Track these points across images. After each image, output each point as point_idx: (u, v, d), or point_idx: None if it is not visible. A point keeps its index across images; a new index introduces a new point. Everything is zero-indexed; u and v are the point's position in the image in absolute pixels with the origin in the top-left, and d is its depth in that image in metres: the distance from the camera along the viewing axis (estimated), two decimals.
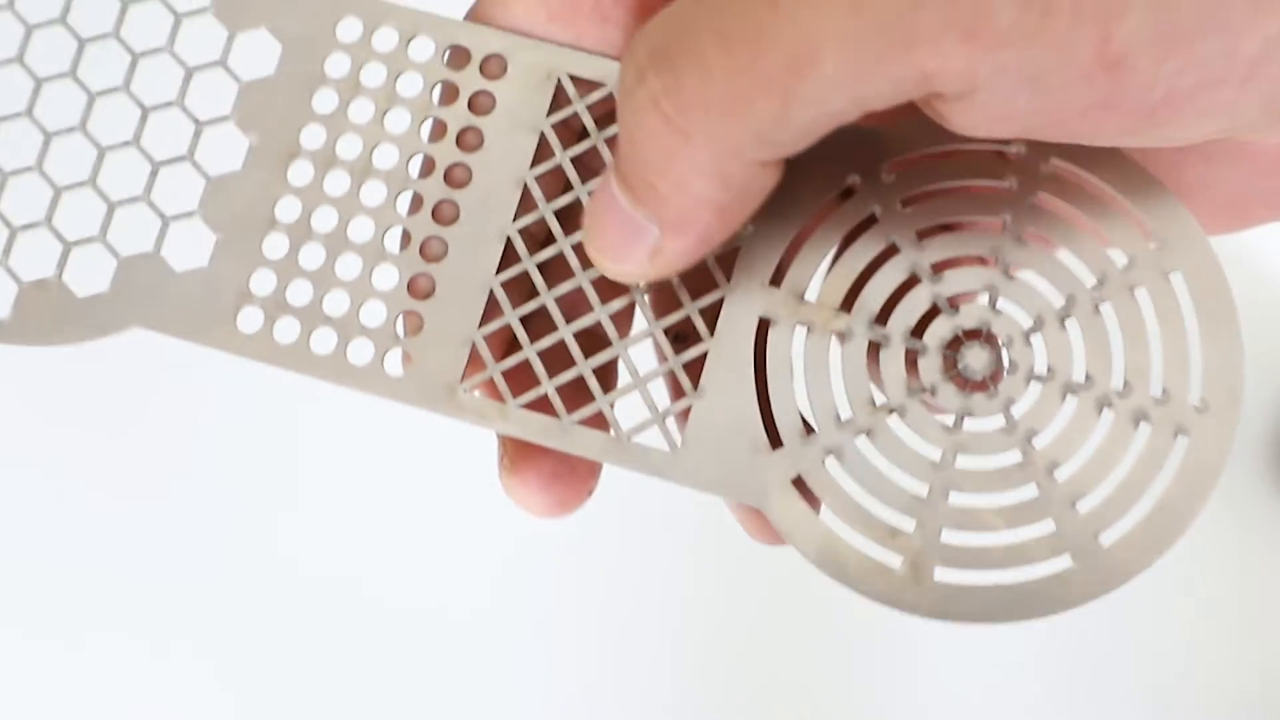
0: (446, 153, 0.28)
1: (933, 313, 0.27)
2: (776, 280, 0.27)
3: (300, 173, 0.28)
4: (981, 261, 0.27)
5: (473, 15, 0.29)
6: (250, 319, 0.28)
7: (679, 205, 0.24)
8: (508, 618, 0.60)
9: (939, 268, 0.27)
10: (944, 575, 0.26)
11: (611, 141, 0.28)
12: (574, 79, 0.28)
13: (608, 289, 0.28)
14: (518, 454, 0.28)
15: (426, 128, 0.28)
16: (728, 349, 0.27)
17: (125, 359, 0.60)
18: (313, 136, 0.28)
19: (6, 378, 0.62)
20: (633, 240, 0.25)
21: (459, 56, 0.28)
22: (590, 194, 0.26)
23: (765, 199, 0.25)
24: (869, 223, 0.27)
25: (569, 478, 0.28)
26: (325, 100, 0.28)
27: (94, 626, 0.61)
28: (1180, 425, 0.26)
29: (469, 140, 0.28)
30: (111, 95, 0.29)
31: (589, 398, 0.27)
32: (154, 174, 0.28)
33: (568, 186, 0.28)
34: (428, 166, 0.28)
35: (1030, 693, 0.56)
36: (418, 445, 0.59)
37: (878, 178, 0.27)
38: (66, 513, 0.61)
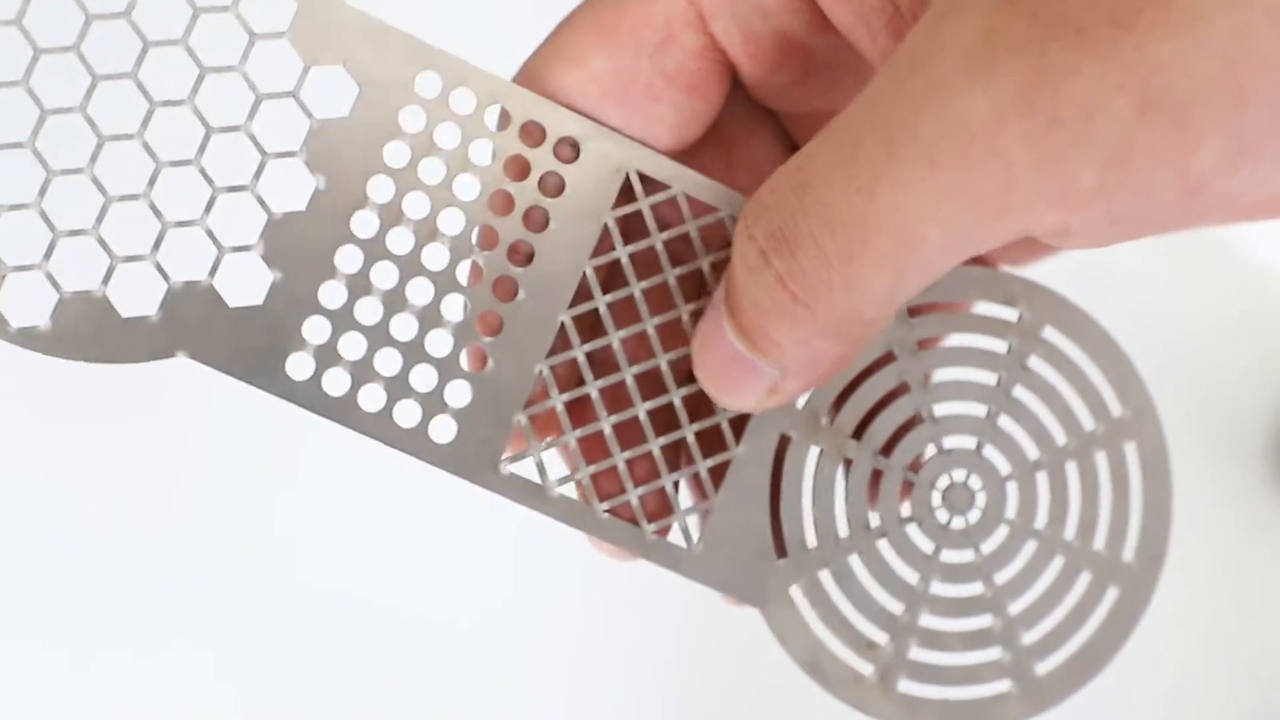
0: (512, 228, 0.29)
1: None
2: (798, 401, 0.30)
3: (364, 224, 0.28)
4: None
5: (522, 79, 0.29)
6: (300, 366, 0.28)
7: (801, 358, 0.26)
8: (511, 622, 0.60)
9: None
10: (907, 687, 0.30)
11: (673, 246, 0.29)
12: (642, 176, 0.29)
13: (647, 386, 0.30)
14: None
15: (493, 198, 0.29)
16: (750, 459, 0.29)
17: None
18: (381, 189, 0.28)
19: (5, 377, 0.57)
20: (749, 379, 0.27)
21: (534, 132, 0.29)
22: (700, 329, 0.28)
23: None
24: (886, 359, 0.30)
25: None
26: (397, 153, 0.28)
27: (94, 627, 0.59)
28: (1113, 577, 0.30)
29: (535, 218, 0.29)
30: (174, 107, 0.28)
31: (621, 488, 0.29)
32: (212, 199, 0.28)
33: (624, 281, 0.29)
34: (490, 238, 0.29)
35: None
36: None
37: (900, 319, 0.30)
38: (66, 512, 0.59)
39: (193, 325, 0.28)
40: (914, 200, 0.24)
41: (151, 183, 0.28)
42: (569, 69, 0.29)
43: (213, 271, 0.28)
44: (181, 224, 0.28)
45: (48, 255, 0.27)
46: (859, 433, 0.30)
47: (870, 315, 0.26)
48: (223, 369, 0.28)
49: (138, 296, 0.28)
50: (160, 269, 0.28)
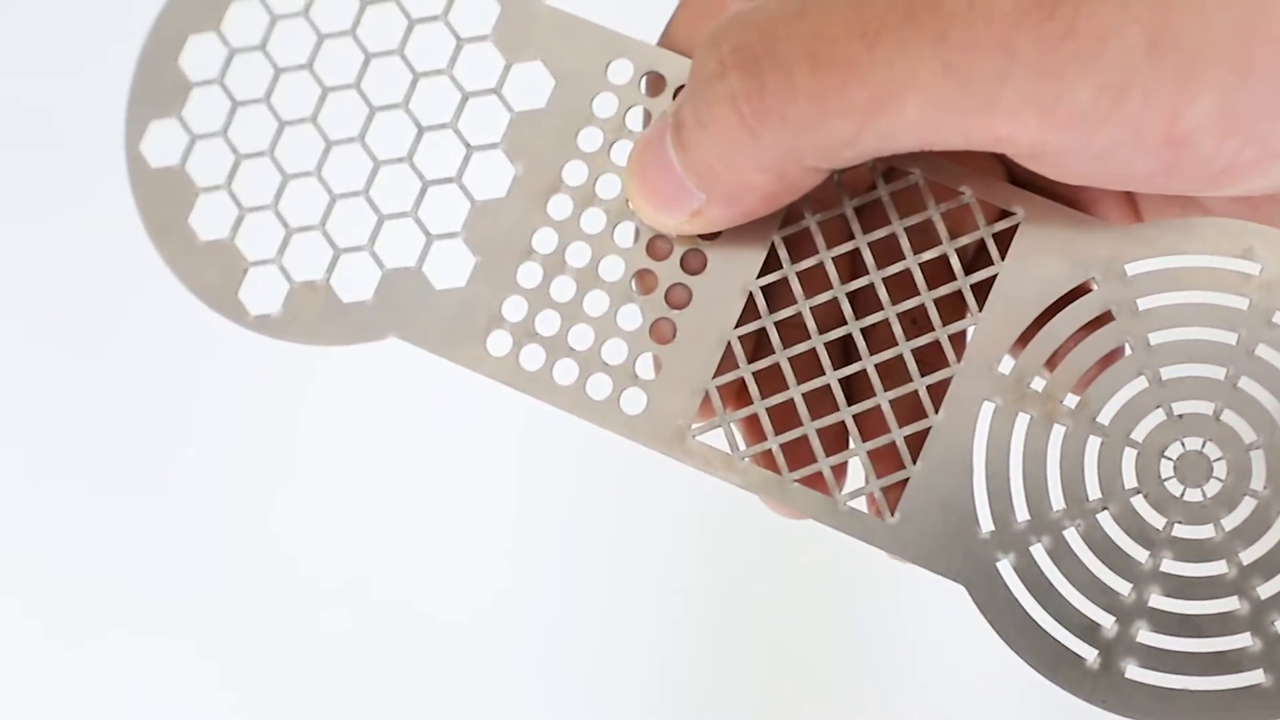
0: None
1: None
2: (1005, 366, 0.28)
3: (560, 207, 0.30)
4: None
5: (666, 36, 0.30)
6: (499, 343, 0.29)
7: (731, 186, 0.26)
8: (511, 617, 0.60)
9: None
10: (1136, 674, 0.27)
11: (864, 210, 0.29)
12: None
13: (837, 354, 0.29)
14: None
15: None
16: (950, 427, 0.28)
17: (123, 356, 0.62)
18: (575, 173, 0.30)
19: (4, 376, 0.63)
20: (678, 198, 0.27)
21: None
22: (641, 139, 0.28)
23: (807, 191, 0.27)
24: (1102, 319, 0.28)
25: None
26: (590, 139, 0.30)
27: (93, 623, 0.61)
28: None
29: None
30: (390, 111, 0.30)
31: (811, 457, 0.28)
32: (423, 192, 0.30)
33: (812, 251, 0.29)
34: None
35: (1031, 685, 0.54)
36: (419, 442, 0.60)
37: (1117, 277, 0.28)
38: (64, 509, 0.62)
39: (403, 308, 0.30)
40: (911, 63, 0.24)
41: (370, 180, 0.30)
42: (711, 22, 0.29)
43: (422, 258, 0.30)
44: (395, 215, 0.30)
45: (281, 250, 0.30)
46: (1072, 398, 0.28)
47: (810, 161, 0.25)
48: (429, 348, 0.30)
49: (356, 283, 0.30)
50: (376, 258, 0.30)
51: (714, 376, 0.29)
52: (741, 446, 0.29)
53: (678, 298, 0.29)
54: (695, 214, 0.27)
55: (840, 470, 0.28)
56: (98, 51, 0.55)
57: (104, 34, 0.55)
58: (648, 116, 0.30)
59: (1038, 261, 0.28)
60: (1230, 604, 0.27)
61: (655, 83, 0.30)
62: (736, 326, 0.29)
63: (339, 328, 0.30)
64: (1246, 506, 0.27)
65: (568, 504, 0.59)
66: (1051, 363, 0.28)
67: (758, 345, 0.29)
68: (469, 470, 0.60)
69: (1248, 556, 0.27)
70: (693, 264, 0.29)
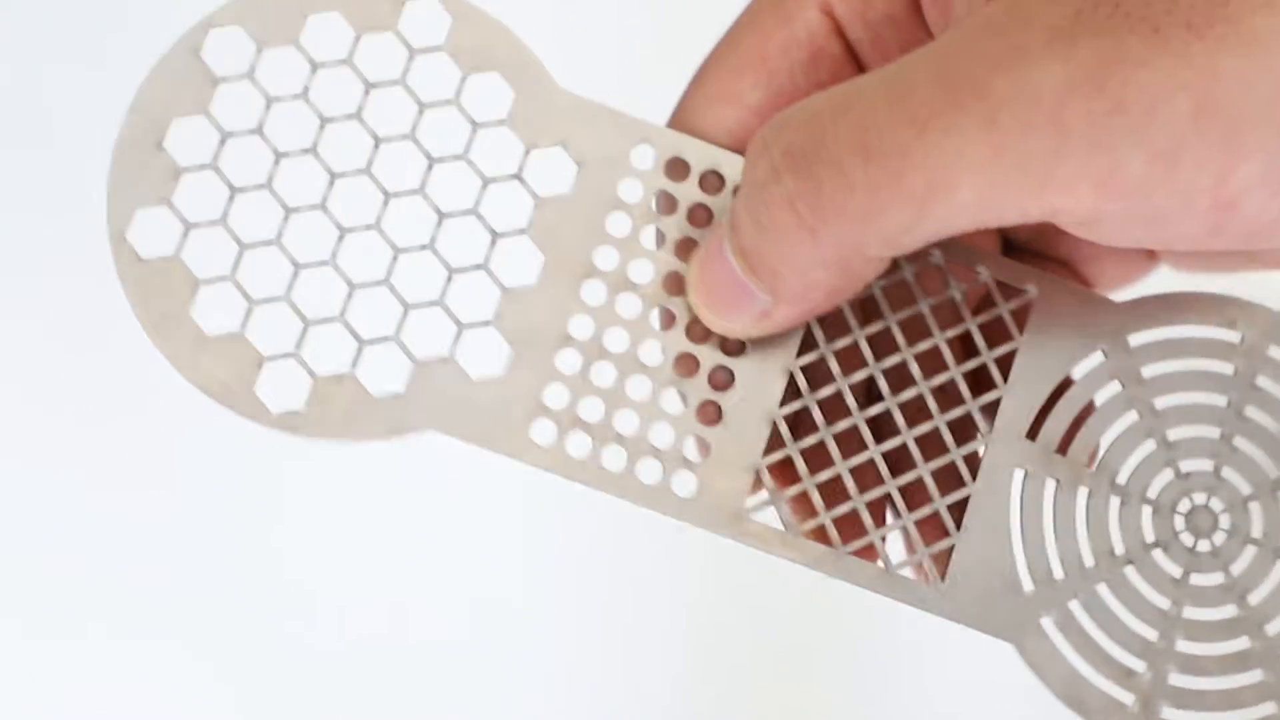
0: None
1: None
2: (1032, 434, 0.30)
3: (593, 292, 0.29)
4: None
5: (676, 123, 0.30)
6: (544, 432, 0.29)
7: (795, 287, 0.27)
8: (510, 616, 0.60)
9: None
10: (1170, 714, 0.29)
11: (891, 288, 0.30)
12: None
13: (882, 423, 0.30)
14: None
15: None
16: (988, 494, 0.30)
17: (122, 352, 0.59)
18: (606, 258, 0.30)
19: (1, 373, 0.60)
20: (743, 302, 0.28)
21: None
22: (699, 250, 0.29)
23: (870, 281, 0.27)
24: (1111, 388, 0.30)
25: None
26: (619, 223, 0.30)
27: (90, 622, 0.59)
28: None
29: None
30: (406, 197, 0.29)
31: (860, 529, 0.29)
32: (449, 279, 0.29)
33: (843, 329, 0.30)
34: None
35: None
36: (418, 442, 0.59)
37: (1123, 349, 0.30)
38: (62, 508, 0.60)
39: (439, 399, 0.29)
40: (963, 148, 0.24)
41: (391, 269, 0.29)
42: (725, 108, 0.30)
43: (453, 347, 0.29)
44: (422, 305, 0.29)
45: (299, 343, 0.29)
46: (1091, 462, 0.30)
47: (873, 252, 0.26)
48: (470, 440, 0.29)
49: (383, 376, 0.29)
50: (404, 348, 0.29)
51: (764, 455, 0.29)
52: (792, 523, 0.29)
53: (720, 380, 0.29)
54: (762, 316, 0.28)
55: (904, 541, 0.29)
56: (95, 50, 0.51)
57: (102, 33, 0.51)
58: (670, 200, 0.30)
59: (1052, 335, 0.30)
60: (1243, 642, 0.30)
61: (677, 167, 0.30)
62: (781, 405, 0.29)
63: (372, 422, 0.29)
64: (1249, 553, 0.30)
65: (569, 506, 0.58)
66: (1071, 430, 0.30)
67: (795, 422, 0.30)
68: (469, 470, 0.58)
69: (1255, 598, 0.30)
70: (731, 347, 0.30)
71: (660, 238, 0.30)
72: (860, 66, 0.30)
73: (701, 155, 0.30)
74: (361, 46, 0.30)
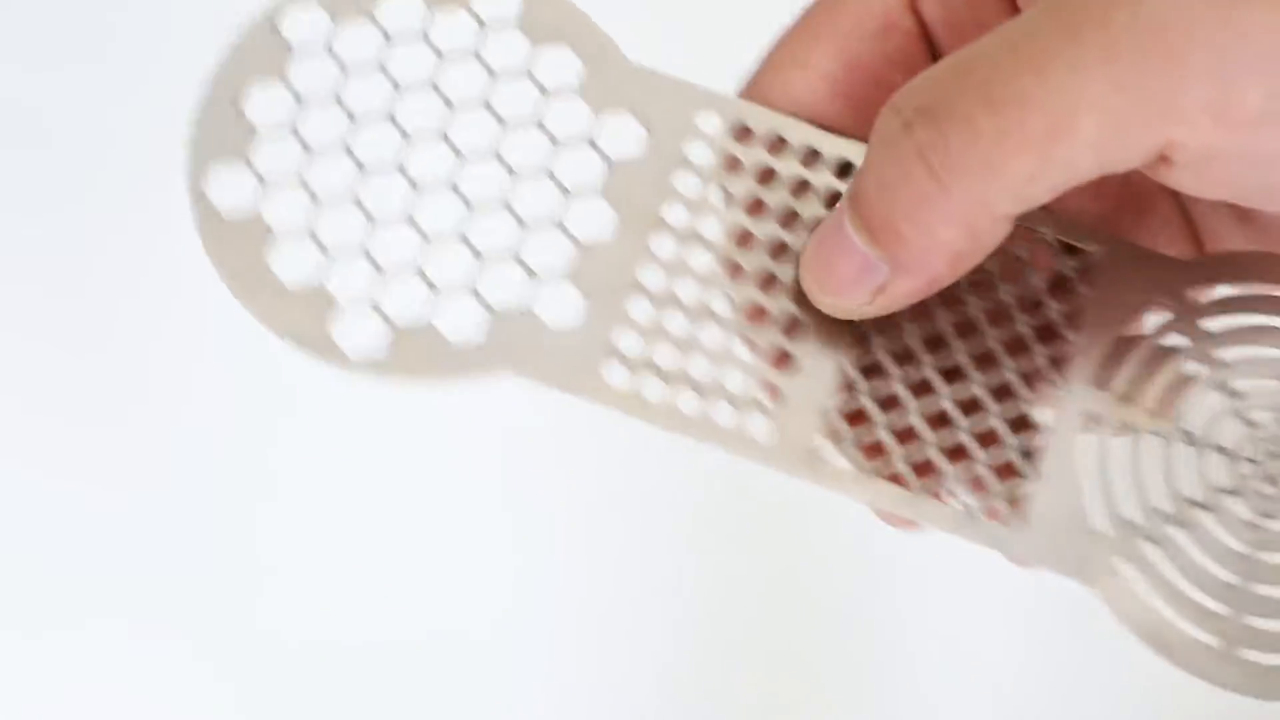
0: (802, 238, 0.30)
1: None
2: (1102, 383, 0.30)
3: (664, 247, 0.30)
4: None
5: (751, 91, 0.31)
6: (620, 376, 0.29)
7: (920, 249, 0.26)
8: (509, 612, 0.59)
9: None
10: (1254, 656, 0.29)
11: None
12: None
13: (951, 374, 0.30)
14: None
15: (781, 216, 0.30)
16: (1062, 440, 0.30)
17: (120, 352, 0.59)
18: (676, 214, 0.30)
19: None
20: (860, 277, 0.27)
21: (812, 158, 0.31)
22: (817, 232, 0.29)
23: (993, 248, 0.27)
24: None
25: None
26: (687, 182, 0.30)
27: (87, 621, 0.59)
28: None
29: None
30: (478, 161, 0.30)
31: (935, 474, 0.29)
32: (523, 234, 0.30)
33: None
34: (782, 250, 0.30)
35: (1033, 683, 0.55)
36: (418, 442, 0.59)
37: (1188, 304, 0.30)
38: (60, 507, 0.60)
39: (517, 347, 0.29)
40: (1084, 84, 0.24)
41: (466, 223, 0.30)
42: (794, 72, 0.31)
43: (530, 298, 0.30)
44: (496, 258, 0.30)
45: (377, 293, 0.29)
46: (1161, 411, 0.30)
47: (1000, 209, 0.26)
48: (547, 383, 0.29)
49: (462, 325, 0.29)
50: (482, 300, 0.29)
51: (836, 399, 0.30)
52: (866, 466, 0.29)
53: (792, 327, 0.30)
54: (879, 290, 0.27)
55: (978, 484, 0.30)
56: (91, 50, 0.52)
57: (99, 33, 0.52)
58: (735, 162, 0.31)
59: (1118, 291, 0.31)
60: None
61: (743, 135, 0.31)
62: (850, 354, 0.30)
63: (451, 365, 0.29)
64: None
65: (565, 505, 0.58)
66: (1140, 381, 0.30)
67: (866, 367, 0.30)
68: (468, 471, 0.58)
69: None
70: (801, 295, 0.30)
71: (728, 197, 0.31)
72: (931, 43, 0.31)
73: (763, 121, 0.31)
74: (436, 21, 0.31)
